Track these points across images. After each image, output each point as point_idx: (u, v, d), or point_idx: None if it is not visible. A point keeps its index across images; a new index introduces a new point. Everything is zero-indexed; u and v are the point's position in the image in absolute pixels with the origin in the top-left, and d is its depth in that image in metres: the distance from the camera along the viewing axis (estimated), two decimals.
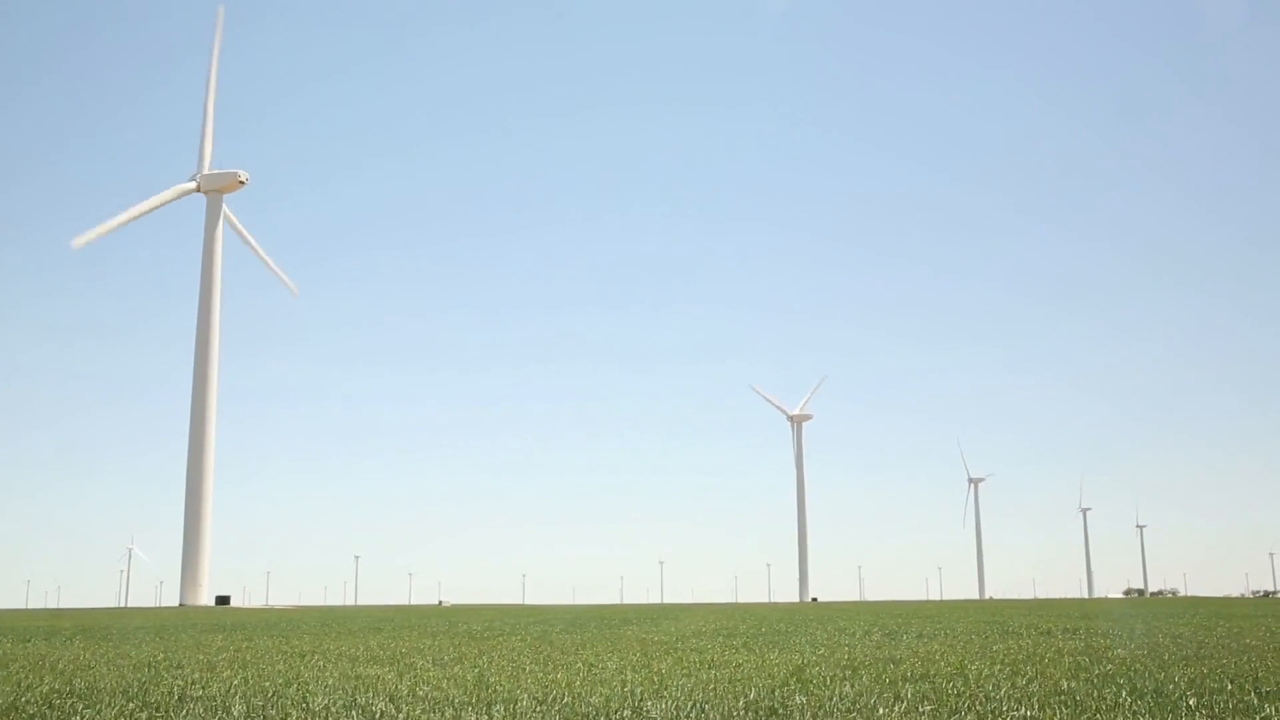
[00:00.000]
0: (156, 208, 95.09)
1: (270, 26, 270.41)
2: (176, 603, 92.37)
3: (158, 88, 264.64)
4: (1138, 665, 11.22)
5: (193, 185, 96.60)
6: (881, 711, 7.81)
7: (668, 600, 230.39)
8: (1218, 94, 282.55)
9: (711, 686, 9.45)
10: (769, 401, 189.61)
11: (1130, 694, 8.51)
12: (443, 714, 7.93)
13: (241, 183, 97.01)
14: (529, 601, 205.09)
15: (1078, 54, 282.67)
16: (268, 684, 10.17)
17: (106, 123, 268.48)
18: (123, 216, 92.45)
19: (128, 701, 8.82)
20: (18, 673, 12.11)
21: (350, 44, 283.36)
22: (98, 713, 8.22)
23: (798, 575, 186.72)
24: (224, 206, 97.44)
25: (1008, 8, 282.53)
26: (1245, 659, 12.10)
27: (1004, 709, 7.87)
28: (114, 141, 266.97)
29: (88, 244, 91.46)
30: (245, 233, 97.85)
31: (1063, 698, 8.33)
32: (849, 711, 7.87)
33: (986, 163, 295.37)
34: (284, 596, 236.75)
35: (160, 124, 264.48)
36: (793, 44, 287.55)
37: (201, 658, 14.27)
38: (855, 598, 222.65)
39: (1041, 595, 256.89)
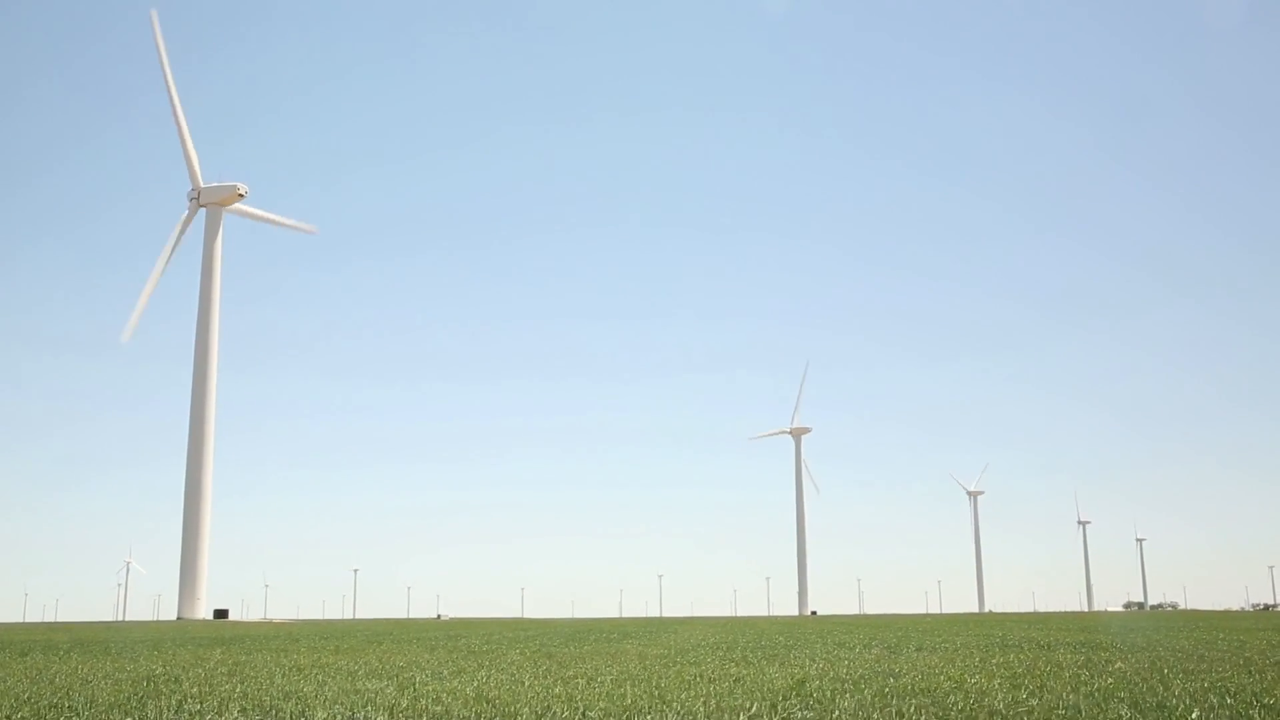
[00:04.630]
0: (171, 248, 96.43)
1: (271, 32, 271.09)
2: (174, 616, 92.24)
3: (156, 93, 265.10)
4: (1139, 679, 11.18)
5: (193, 195, 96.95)
6: None
7: (667, 614, 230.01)
8: (1217, 99, 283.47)
9: (712, 700, 9.42)
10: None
11: (1131, 707, 8.48)
12: None
13: (241, 195, 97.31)
14: (528, 615, 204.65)
15: (1079, 60, 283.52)
16: (266, 698, 10.13)
17: (106, 132, 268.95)
18: (147, 289, 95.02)
19: (125, 716, 8.78)
20: (15, 687, 12.06)
21: (349, 52, 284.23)
22: None
23: (797, 589, 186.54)
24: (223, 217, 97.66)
25: (1008, 14, 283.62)
26: (1247, 673, 12.06)
27: None
28: (115, 148, 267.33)
29: (132, 331, 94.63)
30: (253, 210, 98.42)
31: (1064, 712, 8.30)
32: None
33: (986, 172, 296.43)
34: (282, 610, 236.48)
35: (158, 129, 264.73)
36: (792, 50, 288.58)
37: (199, 671, 14.22)
38: (854, 611, 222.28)
39: (1041, 609, 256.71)
